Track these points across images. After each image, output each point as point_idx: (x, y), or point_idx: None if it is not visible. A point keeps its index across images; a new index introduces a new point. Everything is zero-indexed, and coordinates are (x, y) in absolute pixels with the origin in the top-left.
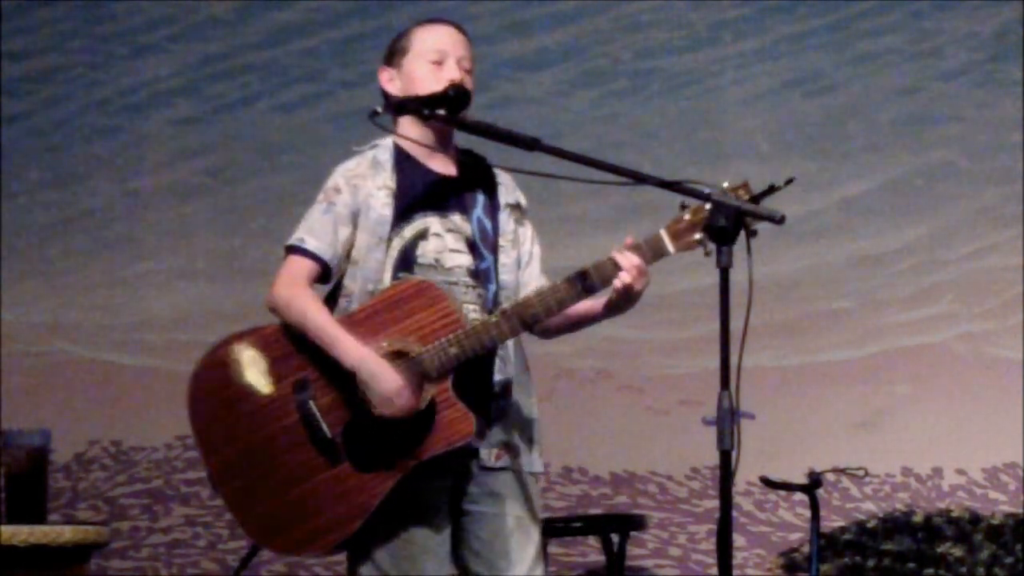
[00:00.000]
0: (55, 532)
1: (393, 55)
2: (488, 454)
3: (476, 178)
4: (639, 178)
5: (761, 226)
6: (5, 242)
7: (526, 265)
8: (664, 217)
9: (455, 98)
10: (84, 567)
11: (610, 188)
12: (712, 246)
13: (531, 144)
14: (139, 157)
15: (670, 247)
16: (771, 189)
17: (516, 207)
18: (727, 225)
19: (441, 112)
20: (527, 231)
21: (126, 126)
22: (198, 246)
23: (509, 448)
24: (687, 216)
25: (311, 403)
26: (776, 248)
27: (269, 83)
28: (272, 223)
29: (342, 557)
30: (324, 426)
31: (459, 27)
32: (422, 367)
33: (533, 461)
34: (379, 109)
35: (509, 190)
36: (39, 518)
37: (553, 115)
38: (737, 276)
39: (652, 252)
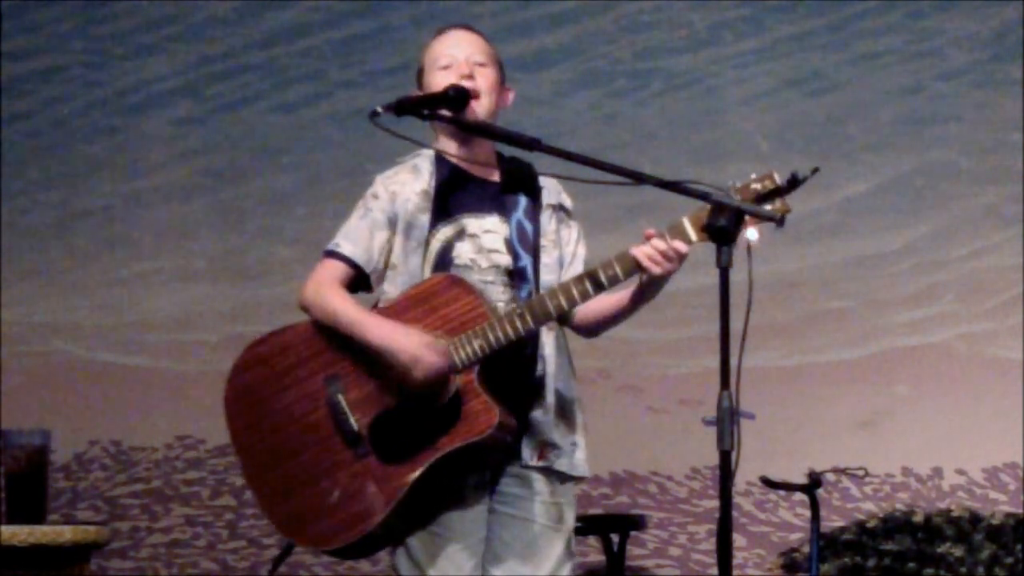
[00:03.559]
0: (55, 532)
1: (418, 76)
2: (530, 453)
3: (519, 181)
4: (639, 178)
5: (760, 226)
6: (5, 242)
7: (568, 265)
8: (663, 217)
9: (455, 98)
10: (84, 567)
11: (610, 188)
12: (743, 238)
13: (531, 144)
14: (139, 157)
15: (693, 235)
16: (794, 180)
17: (559, 208)
18: (727, 225)
19: (443, 112)
20: (572, 232)
21: (126, 126)
22: (198, 246)
23: (551, 448)
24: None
25: (339, 396)
26: (776, 248)
27: (269, 83)
28: (272, 223)
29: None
30: (351, 419)
31: (465, 27)
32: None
33: (575, 464)
34: (379, 109)
35: (552, 193)
36: (39, 518)
37: (553, 115)
38: (737, 276)
39: (674, 239)
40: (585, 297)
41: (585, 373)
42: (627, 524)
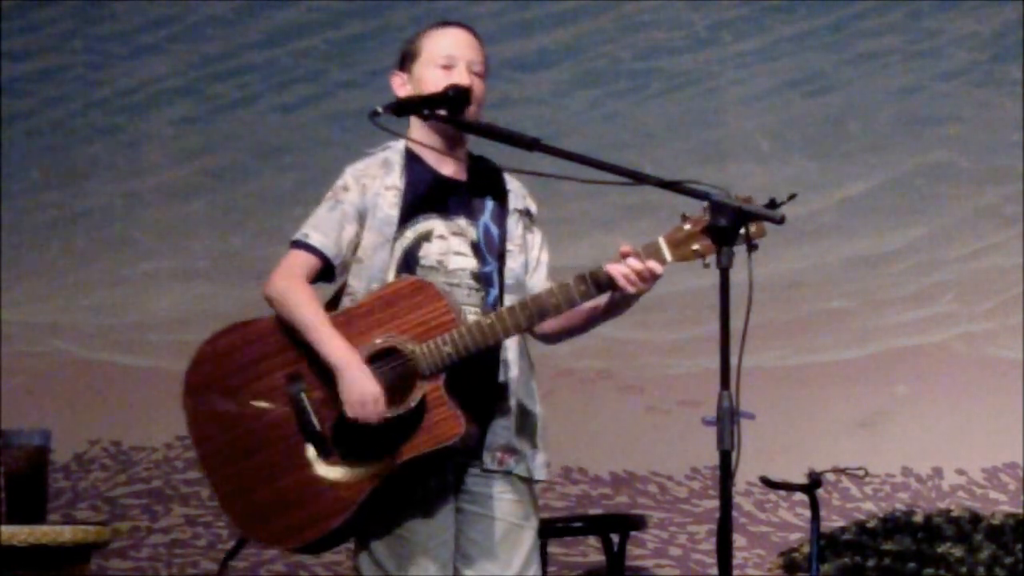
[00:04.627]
0: (55, 532)
1: (405, 60)
2: (490, 457)
3: (486, 184)
4: (639, 178)
5: (767, 232)
6: (5, 242)
7: (533, 271)
8: (663, 217)
9: (455, 99)
10: (84, 567)
11: (610, 188)
12: (711, 258)
13: (531, 144)
14: (139, 157)
15: (668, 255)
16: (772, 204)
17: (525, 213)
18: (727, 225)
19: (441, 112)
20: (536, 237)
21: (126, 126)
22: (198, 246)
23: (512, 452)
24: (687, 227)
25: (303, 396)
26: (776, 248)
27: (269, 83)
28: (272, 223)
29: (342, 557)
30: (315, 419)
31: (470, 29)
32: (415, 365)
33: (536, 467)
34: (379, 109)
35: (519, 196)
36: (39, 518)
37: (553, 115)
38: (737, 276)
39: (649, 259)
40: (557, 311)
41: (585, 373)
42: (627, 524)
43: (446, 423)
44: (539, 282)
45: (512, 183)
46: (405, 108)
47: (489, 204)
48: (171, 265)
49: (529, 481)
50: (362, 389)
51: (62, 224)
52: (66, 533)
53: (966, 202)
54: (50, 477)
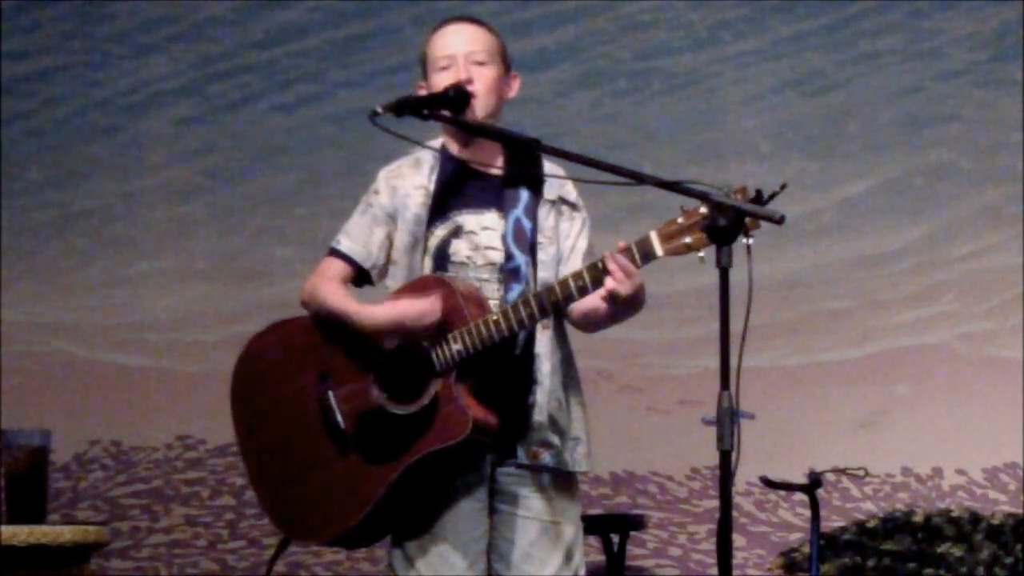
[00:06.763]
0: (55, 532)
1: (423, 68)
2: (525, 452)
3: (522, 175)
4: (639, 178)
5: (761, 226)
6: (5, 242)
7: (566, 259)
8: (664, 217)
9: (455, 98)
10: (84, 567)
11: (610, 188)
12: (706, 253)
13: (531, 144)
14: (139, 157)
15: (658, 249)
16: (759, 196)
17: (560, 202)
18: (727, 225)
19: (443, 113)
20: (574, 225)
21: (126, 126)
22: (198, 246)
23: (548, 446)
24: (680, 220)
25: (329, 393)
26: (776, 248)
27: (269, 83)
28: (272, 223)
29: (342, 557)
30: (339, 416)
31: (467, 20)
32: (428, 361)
33: (576, 460)
34: (379, 109)
35: (555, 185)
36: (39, 518)
37: (553, 115)
38: (737, 276)
39: (640, 254)
40: (556, 307)
41: (585, 373)
42: (627, 524)
43: (454, 421)
44: (573, 269)
45: (550, 171)
46: (405, 108)
47: (524, 196)
48: (171, 265)
49: (567, 474)
50: (385, 316)
51: (62, 224)
52: (66, 533)
53: (966, 202)
54: (50, 477)
